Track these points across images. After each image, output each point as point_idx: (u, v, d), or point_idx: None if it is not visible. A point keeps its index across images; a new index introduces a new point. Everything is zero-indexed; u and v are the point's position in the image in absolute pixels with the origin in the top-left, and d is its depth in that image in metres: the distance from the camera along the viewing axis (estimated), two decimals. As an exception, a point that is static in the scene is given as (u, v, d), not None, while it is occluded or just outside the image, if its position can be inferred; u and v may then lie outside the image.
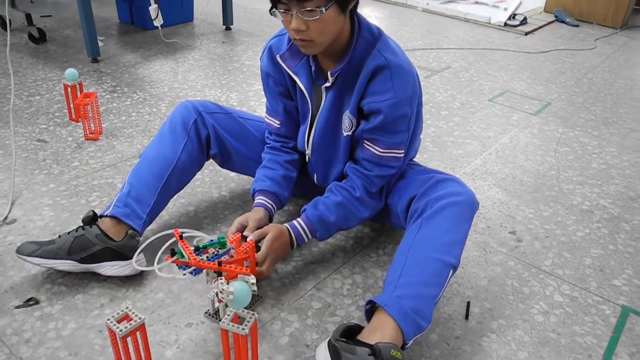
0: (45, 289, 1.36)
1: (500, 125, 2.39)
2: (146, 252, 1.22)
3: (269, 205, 1.45)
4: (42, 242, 1.35)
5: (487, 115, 2.48)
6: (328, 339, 1.16)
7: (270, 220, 1.46)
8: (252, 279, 1.07)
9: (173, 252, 1.12)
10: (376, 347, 1.05)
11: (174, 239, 1.14)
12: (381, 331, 1.10)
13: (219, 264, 1.11)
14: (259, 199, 1.46)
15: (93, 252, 1.34)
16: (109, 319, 1.03)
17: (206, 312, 1.30)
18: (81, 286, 1.37)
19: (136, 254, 1.12)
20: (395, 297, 1.14)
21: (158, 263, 1.11)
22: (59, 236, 1.37)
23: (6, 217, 1.61)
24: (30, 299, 1.33)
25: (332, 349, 1.11)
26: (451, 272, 1.22)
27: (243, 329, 1.02)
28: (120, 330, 1.00)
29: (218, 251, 1.17)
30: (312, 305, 1.34)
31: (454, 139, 2.25)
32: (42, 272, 1.41)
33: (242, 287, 1.03)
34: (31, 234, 1.56)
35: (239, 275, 1.09)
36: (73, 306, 1.31)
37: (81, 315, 1.29)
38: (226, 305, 1.27)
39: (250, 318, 1.05)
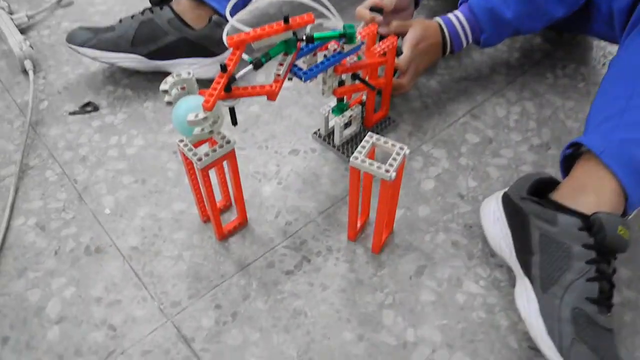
0: (106, 92, 1.03)
1: None
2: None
3: None
4: (99, 28, 0.99)
5: None
6: (502, 192, 0.77)
7: (417, 4, 1.02)
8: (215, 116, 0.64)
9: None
10: (595, 218, 0.65)
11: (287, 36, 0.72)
12: (595, 192, 0.69)
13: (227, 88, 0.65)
14: None
15: (165, 44, 0.97)
16: (182, 141, 0.67)
17: (316, 133, 0.94)
18: (151, 90, 1.03)
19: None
20: (617, 142, 0.71)
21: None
22: (120, 20, 0.99)
23: (61, -2, 1.26)
24: (87, 104, 1.00)
25: (513, 210, 0.72)
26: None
27: (387, 170, 0.65)
28: (200, 160, 0.65)
29: (342, 47, 0.76)
30: (467, 139, 0.94)
31: None
32: (103, 70, 1.07)
33: (189, 105, 0.64)
34: (91, 20, 1.21)
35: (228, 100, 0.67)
36: (141, 117, 0.98)
37: (151, 130, 0.96)
38: (347, 125, 0.90)
39: (398, 154, 0.66)
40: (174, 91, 0.65)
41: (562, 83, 1.06)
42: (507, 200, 0.74)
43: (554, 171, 0.89)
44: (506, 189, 0.76)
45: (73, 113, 0.99)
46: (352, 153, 0.90)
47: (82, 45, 0.96)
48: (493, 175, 0.89)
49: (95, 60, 0.98)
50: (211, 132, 0.64)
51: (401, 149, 0.67)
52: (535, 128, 0.97)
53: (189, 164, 0.70)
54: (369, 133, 0.68)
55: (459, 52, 1.07)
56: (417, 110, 0.99)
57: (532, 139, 0.95)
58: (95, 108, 0.99)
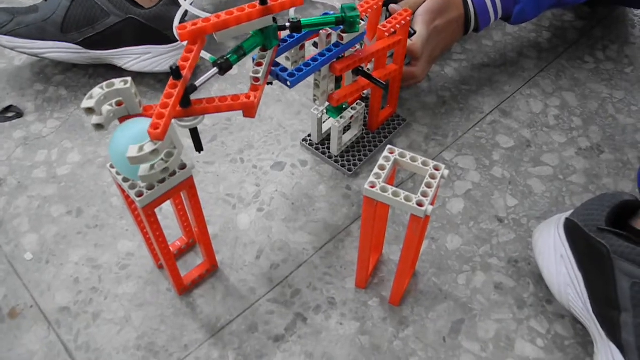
0: (33, 93, 0.80)
1: None
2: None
3: None
4: (19, 9, 0.76)
5: None
6: (563, 217, 0.57)
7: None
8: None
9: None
10: None
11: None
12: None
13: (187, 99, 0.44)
14: None
15: (106, 29, 0.75)
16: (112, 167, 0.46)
17: (306, 140, 0.73)
18: (92, 88, 0.80)
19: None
20: None
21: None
22: (46, -1, 0.77)
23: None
24: (8, 108, 0.78)
25: (585, 246, 0.52)
26: None
27: (420, 203, 0.44)
28: (140, 196, 0.44)
29: (340, 37, 0.55)
30: (499, 142, 0.74)
31: None
32: (31, 64, 0.84)
33: (132, 133, 0.41)
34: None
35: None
36: (78, 124, 0.76)
37: (91, 141, 0.74)
38: (346, 129, 0.70)
39: (433, 177, 0.45)
40: (105, 109, 0.43)
41: (606, 68, 0.86)
42: (574, 231, 0.54)
43: (611, 181, 0.70)
44: (568, 214, 0.56)
45: (-10, 121, 0.77)
46: (354, 164, 0.69)
47: (-4, 32, 0.74)
48: (537, 190, 0.69)
49: (15, 51, 0.76)
50: (165, 169, 0.42)
51: (436, 169, 0.46)
52: (581, 126, 0.77)
53: (127, 197, 0.48)
54: (389, 147, 0.47)
55: (480, 32, 0.87)
56: (431, 106, 0.78)
57: (578, 141, 0.75)
58: (19, 114, 0.77)
